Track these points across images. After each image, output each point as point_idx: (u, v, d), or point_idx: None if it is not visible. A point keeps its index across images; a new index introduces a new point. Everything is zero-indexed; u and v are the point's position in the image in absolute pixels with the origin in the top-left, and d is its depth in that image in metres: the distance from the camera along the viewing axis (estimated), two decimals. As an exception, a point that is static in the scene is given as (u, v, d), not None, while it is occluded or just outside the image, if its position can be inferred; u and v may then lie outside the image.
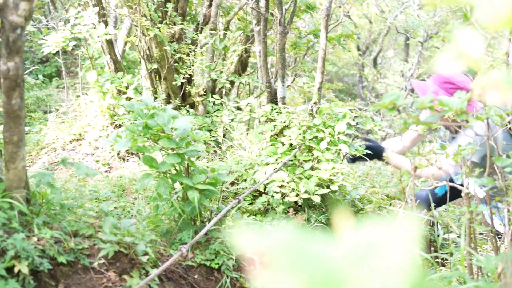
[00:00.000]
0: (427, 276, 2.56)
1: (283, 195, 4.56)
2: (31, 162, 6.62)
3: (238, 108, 7.35)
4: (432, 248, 4.06)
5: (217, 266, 3.37)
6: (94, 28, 6.94)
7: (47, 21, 9.55)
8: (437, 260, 3.90)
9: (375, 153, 4.63)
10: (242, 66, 8.16)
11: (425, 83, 4.31)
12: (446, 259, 3.99)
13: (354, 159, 4.75)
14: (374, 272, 0.53)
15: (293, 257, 0.57)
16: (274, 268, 0.56)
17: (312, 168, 4.65)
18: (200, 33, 7.71)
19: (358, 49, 17.41)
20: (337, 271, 0.54)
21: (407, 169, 3.93)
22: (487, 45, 1.75)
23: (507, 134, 4.09)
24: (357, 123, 4.65)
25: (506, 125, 2.61)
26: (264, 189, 4.72)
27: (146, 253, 3.02)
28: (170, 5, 6.87)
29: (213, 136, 6.91)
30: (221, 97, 7.61)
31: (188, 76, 7.20)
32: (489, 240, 2.94)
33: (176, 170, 3.52)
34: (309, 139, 4.62)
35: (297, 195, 4.46)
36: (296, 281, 0.54)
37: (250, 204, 4.78)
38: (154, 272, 2.84)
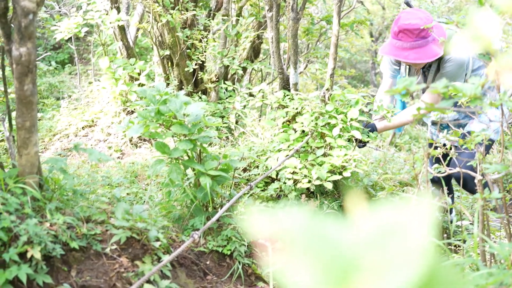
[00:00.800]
0: (441, 262, 2.55)
1: (296, 182, 4.55)
2: (44, 148, 6.64)
3: (251, 95, 7.34)
4: (445, 235, 4.05)
5: (229, 252, 3.38)
6: (107, 14, 6.93)
7: (59, 7, 9.56)
8: (450, 247, 3.89)
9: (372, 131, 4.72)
10: (255, 52, 8.13)
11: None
12: (459, 246, 3.98)
13: (363, 144, 4.79)
14: (388, 257, 0.52)
15: (307, 241, 0.56)
16: (288, 253, 0.56)
17: (324, 155, 4.64)
18: (213, 19, 7.69)
19: (371, 36, 17.31)
20: (352, 255, 0.54)
21: (410, 120, 4.15)
22: (501, 30, 1.73)
23: None
24: (369, 110, 4.63)
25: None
26: (276, 175, 4.72)
27: (158, 239, 3.03)
28: (182, -9, 6.85)
29: (225, 123, 6.91)
30: (234, 84, 7.60)
31: (201, 63, 7.19)
32: (503, 227, 2.92)
33: (188, 156, 3.52)
34: (322, 126, 4.60)
35: (309, 181, 4.45)
36: (311, 265, 0.54)
37: (262, 190, 4.77)
38: (166, 258, 2.85)
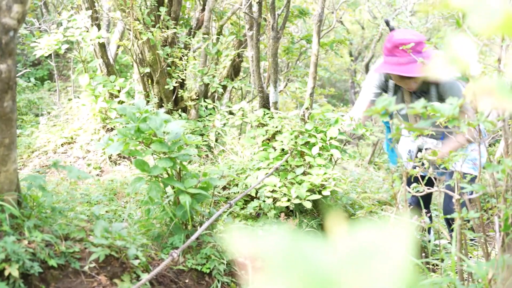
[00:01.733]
0: (419, 282, 2.56)
1: (275, 200, 4.56)
2: (23, 165, 6.60)
3: (231, 113, 7.36)
4: (424, 254, 4.07)
5: (208, 271, 3.37)
6: (87, 31, 6.93)
7: (39, 24, 9.53)
8: (428, 266, 3.91)
9: None
10: (235, 70, 8.16)
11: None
12: (437, 265, 4.00)
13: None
14: (367, 276, 0.53)
15: (286, 261, 0.57)
16: (267, 272, 0.56)
17: (304, 173, 4.65)
18: (193, 37, 7.72)
19: (351, 55, 17.43)
20: (331, 275, 0.54)
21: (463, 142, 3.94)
22: (479, 52, 1.76)
23: None
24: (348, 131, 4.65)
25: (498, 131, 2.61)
26: (256, 194, 4.72)
27: (137, 257, 3.01)
28: (163, 9, 6.87)
29: (205, 141, 6.91)
30: (214, 102, 7.61)
31: (181, 80, 7.21)
32: (480, 246, 2.95)
33: (168, 174, 3.52)
34: (301, 145, 4.62)
35: (289, 200, 4.46)
36: (290, 284, 0.55)
37: (241, 208, 4.78)
38: (145, 277, 2.83)
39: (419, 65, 3.90)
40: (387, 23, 4.51)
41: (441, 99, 4.14)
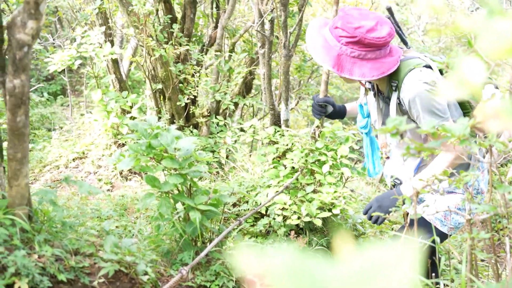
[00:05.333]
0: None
1: (285, 218, 4.56)
2: (34, 179, 6.62)
3: (242, 130, 7.36)
4: (433, 274, 4.05)
5: (217, 288, 3.36)
6: (100, 47, 6.98)
7: (53, 40, 9.61)
8: (438, 286, 3.89)
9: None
10: (247, 88, 8.19)
11: None
12: (447, 285, 3.98)
13: (320, 114, 4.12)
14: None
15: (295, 279, 0.57)
16: (274, 290, 0.57)
17: (314, 191, 4.64)
18: (205, 54, 7.76)
19: (362, 73, 17.41)
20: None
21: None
22: (490, 72, 1.76)
23: None
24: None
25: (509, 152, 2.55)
26: (266, 211, 4.72)
27: (146, 273, 3.01)
28: (176, 26, 6.91)
29: (216, 157, 6.92)
30: (225, 118, 7.63)
31: (193, 97, 7.23)
32: (491, 267, 2.93)
33: (179, 190, 3.53)
34: (311, 163, 4.62)
35: (299, 218, 4.46)
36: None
37: (251, 226, 4.77)
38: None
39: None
40: (389, 10, 3.79)
41: (402, 110, 3.34)
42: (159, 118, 7.13)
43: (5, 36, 2.65)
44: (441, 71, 3.20)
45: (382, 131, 1.92)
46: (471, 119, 1.97)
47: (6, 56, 2.61)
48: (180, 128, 7.23)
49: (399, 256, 0.56)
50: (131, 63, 8.67)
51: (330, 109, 4.08)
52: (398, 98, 3.26)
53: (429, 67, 3.18)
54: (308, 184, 4.65)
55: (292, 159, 4.71)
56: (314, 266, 0.58)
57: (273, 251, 0.61)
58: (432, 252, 3.39)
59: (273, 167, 4.89)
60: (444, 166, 3.18)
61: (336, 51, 3.19)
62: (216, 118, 7.38)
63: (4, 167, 2.88)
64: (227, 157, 7.10)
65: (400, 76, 3.19)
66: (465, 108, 3.27)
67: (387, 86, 3.38)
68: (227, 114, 7.90)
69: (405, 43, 3.60)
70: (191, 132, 7.21)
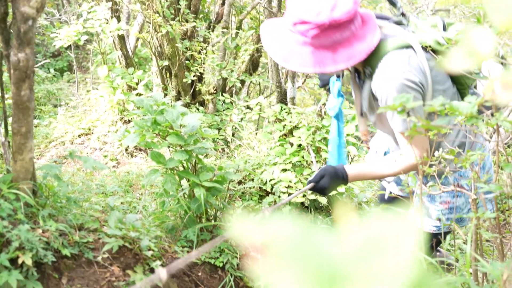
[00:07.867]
0: (430, 276, 2.54)
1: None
2: (40, 155, 6.63)
3: (248, 107, 7.35)
4: (438, 253, 4.04)
5: (221, 265, 3.37)
6: (107, 23, 6.95)
7: (60, 15, 9.58)
8: (442, 266, 3.89)
9: (336, 179, 2.99)
10: (253, 65, 8.15)
11: None
12: (452, 265, 3.97)
13: (324, 85, 3.52)
14: (376, 268, 0.52)
15: (296, 252, 0.56)
16: (276, 263, 0.56)
17: (320, 170, 4.63)
18: (212, 31, 7.72)
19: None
20: (340, 266, 0.53)
21: (396, 172, 2.88)
22: (500, 50, 1.74)
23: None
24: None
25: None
26: (271, 189, 4.71)
27: (150, 249, 3.02)
28: (183, 3, 6.87)
29: (222, 135, 6.91)
30: (231, 96, 7.61)
31: (199, 74, 7.21)
32: (496, 247, 2.92)
33: (184, 167, 3.52)
34: (318, 140, 4.60)
35: (304, 196, 4.45)
36: (298, 275, 0.54)
37: (256, 204, 4.77)
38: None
39: None
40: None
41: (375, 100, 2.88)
42: (165, 95, 7.11)
43: (10, 9, 2.63)
44: (425, 48, 2.74)
45: (386, 109, 1.89)
46: (468, 95, 1.94)
47: (11, 30, 2.59)
48: (186, 105, 7.22)
49: (403, 230, 0.55)
50: (137, 39, 8.64)
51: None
52: (371, 88, 2.78)
53: (411, 47, 2.66)
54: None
55: (300, 137, 4.69)
56: (315, 239, 0.57)
57: (275, 224, 0.60)
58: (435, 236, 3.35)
59: (279, 145, 4.88)
60: (395, 169, 2.84)
61: (309, 49, 2.63)
62: (222, 95, 7.36)
63: (8, 142, 2.87)
64: (233, 134, 7.09)
65: (373, 62, 2.70)
66: (461, 84, 2.92)
67: (362, 68, 2.86)
68: (234, 92, 7.87)
69: (393, 4, 3.18)
70: (197, 109, 7.20)
